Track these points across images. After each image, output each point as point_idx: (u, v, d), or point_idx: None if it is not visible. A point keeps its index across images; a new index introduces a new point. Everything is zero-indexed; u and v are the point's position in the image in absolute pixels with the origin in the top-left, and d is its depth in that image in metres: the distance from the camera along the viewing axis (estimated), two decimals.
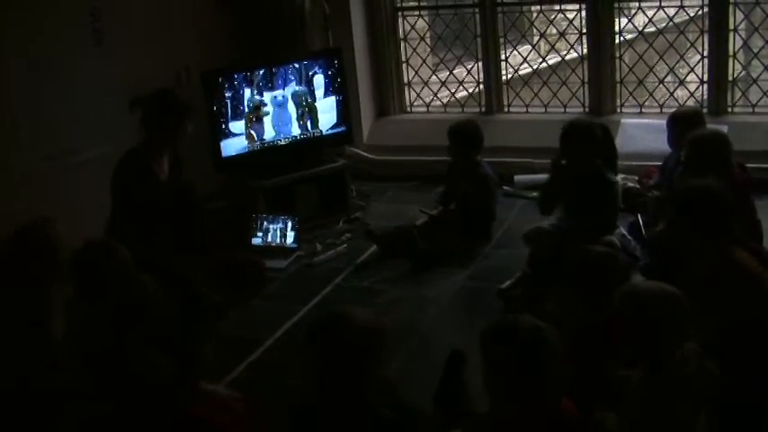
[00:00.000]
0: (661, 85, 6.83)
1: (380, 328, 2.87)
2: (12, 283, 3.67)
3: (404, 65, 7.32)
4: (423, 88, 7.37)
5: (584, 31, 6.72)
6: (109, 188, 4.73)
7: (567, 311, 3.66)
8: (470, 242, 5.52)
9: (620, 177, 5.99)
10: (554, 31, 7.15)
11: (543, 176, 5.98)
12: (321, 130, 6.20)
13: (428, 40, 7.41)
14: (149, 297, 3.37)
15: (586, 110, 6.84)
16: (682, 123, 5.16)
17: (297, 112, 6.10)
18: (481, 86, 7.15)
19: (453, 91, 7.34)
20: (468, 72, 7.23)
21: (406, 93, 7.41)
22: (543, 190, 5.26)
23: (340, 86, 6.22)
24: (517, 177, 6.44)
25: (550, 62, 7.21)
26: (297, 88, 6.06)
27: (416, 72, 7.33)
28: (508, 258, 5.29)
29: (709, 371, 2.94)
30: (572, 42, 6.94)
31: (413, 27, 7.23)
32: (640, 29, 6.87)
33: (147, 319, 3.28)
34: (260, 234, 5.70)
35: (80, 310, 3.59)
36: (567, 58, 7.08)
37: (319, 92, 6.13)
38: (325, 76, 6.14)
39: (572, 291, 3.69)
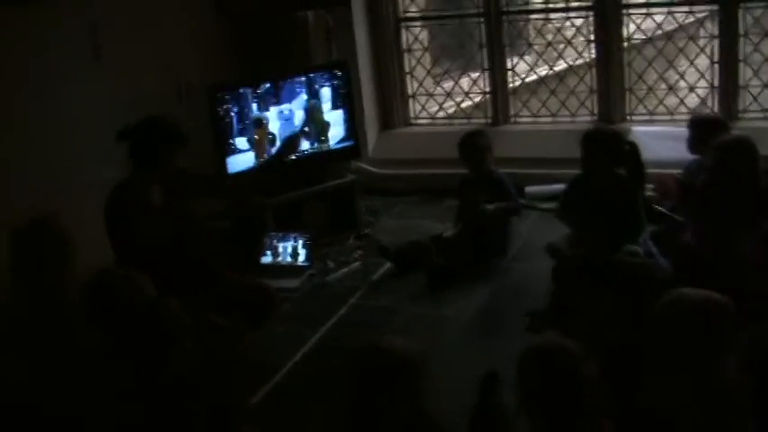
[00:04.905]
0: (670, 92, 6.70)
1: (420, 358, 2.74)
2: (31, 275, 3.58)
3: (407, 76, 7.19)
4: (427, 100, 7.23)
5: (592, 38, 6.60)
6: (104, 225, 4.43)
7: (603, 327, 3.56)
8: (487, 257, 5.36)
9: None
10: (561, 38, 7.02)
11: (556, 187, 5.90)
12: (329, 145, 6.04)
13: (431, 52, 7.28)
14: (178, 328, 3.23)
15: (595, 118, 6.72)
16: (703, 128, 5.09)
17: (309, 127, 5.94)
18: (487, 97, 7.02)
19: (459, 101, 7.20)
20: (474, 83, 7.10)
21: (411, 105, 7.27)
22: (562, 199, 5.15)
23: (347, 99, 6.06)
24: (528, 189, 6.30)
25: (557, 69, 7.09)
26: (312, 101, 5.92)
27: (421, 83, 7.19)
28: (527, 273, 5.17)
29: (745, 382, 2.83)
30: (580, 50, 6.81)
31: (416, 38, 7.10)
32: (649, 35, 6.77)
33: (175, 352, 3.15)
34: (270, 253, 5.53)
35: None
36: (574, 65, 6.96)
37: (326, 105, 5.98)
38: (332, 89, 5.99)
39: (610, 305, 3.59)
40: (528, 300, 4.81)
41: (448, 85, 7.29)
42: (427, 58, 7.25)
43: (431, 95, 7.23)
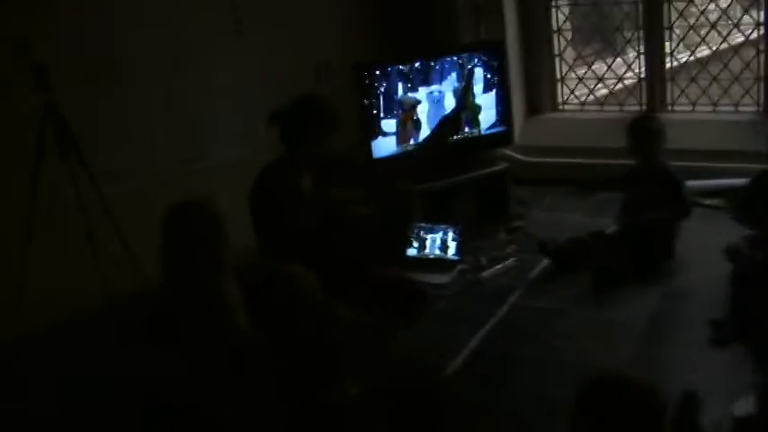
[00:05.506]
0: None
1: (661, 398, 2.38)
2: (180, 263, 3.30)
3: (556, 59, 6.77)
4: (577, 84, 6.79)
5: (762, 20, 6.07)
6: (248, 207, 4.19)
7: None
8: (653, 257, 4.91)
9: None
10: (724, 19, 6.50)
11: (720, 182, 5.47)
12: (480, 130, 5.68)
13: (580, 33, 6.85)
14: (344, 332, 2.93)
15: (759, 109, 6.19)
16: None
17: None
18: (641, 82, 6.55)
19: (612, 87, 6.74)
20: (629, 67, 6.62)
21: (559, 89, 6.85)
22: (743, 196, 4.69)
23: (500, 82, 5.69)
24: (689, 183, 5.83)
25: (719, 51, 6.57)
26: (462, 84, 5.56)
27: (571, 67, 6.76)
28: (696, 276, 4.74)
29: None
30: (747, 32, 6.29)
31: (567, 18, 6.68)
32: None
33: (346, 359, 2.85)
34: (416, 245, 5.18)
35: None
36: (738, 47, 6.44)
37: (478, 88, 5.61)
38: (485, 71, 5.61)
39: None
40: (701, 305, 4.38)
41: (596, 68, 6.84)
42: (574, 41, 6.84)
43: (581, 79, 6.79)
